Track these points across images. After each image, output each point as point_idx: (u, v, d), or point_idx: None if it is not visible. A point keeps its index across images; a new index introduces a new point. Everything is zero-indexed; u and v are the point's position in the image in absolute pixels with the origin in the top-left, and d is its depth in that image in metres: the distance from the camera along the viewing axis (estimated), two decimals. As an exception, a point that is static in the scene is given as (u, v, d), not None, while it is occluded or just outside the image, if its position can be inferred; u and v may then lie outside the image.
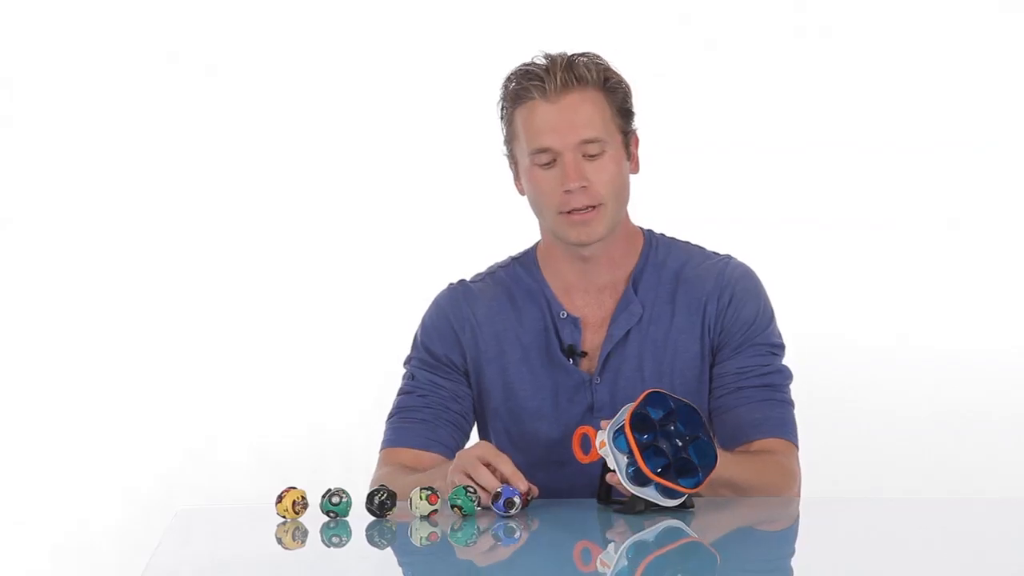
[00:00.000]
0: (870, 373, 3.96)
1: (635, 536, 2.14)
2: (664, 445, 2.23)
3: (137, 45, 3.96)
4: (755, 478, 2.43)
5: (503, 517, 2.23)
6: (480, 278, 2.63)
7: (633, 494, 2.23)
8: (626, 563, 2.02)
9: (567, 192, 2.45)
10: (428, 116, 4.01)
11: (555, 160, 2.46)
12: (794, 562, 2.07)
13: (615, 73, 2.50)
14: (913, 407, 4.00)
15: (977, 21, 4.03)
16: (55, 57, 3.94)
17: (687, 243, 2.61)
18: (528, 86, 2.48)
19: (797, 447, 2.53)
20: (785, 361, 2.58)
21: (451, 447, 2.56)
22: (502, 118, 2.56)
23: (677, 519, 2.21)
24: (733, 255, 2.60)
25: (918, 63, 4.04)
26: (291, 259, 3.99)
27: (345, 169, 4.01)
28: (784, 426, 2.51)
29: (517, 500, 2.22)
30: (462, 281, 2.63)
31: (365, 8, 4.00)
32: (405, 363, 2.64)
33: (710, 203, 3.91)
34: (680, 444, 2.25)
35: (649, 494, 2.22)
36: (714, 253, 2.60)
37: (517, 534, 2.17)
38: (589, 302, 2.56)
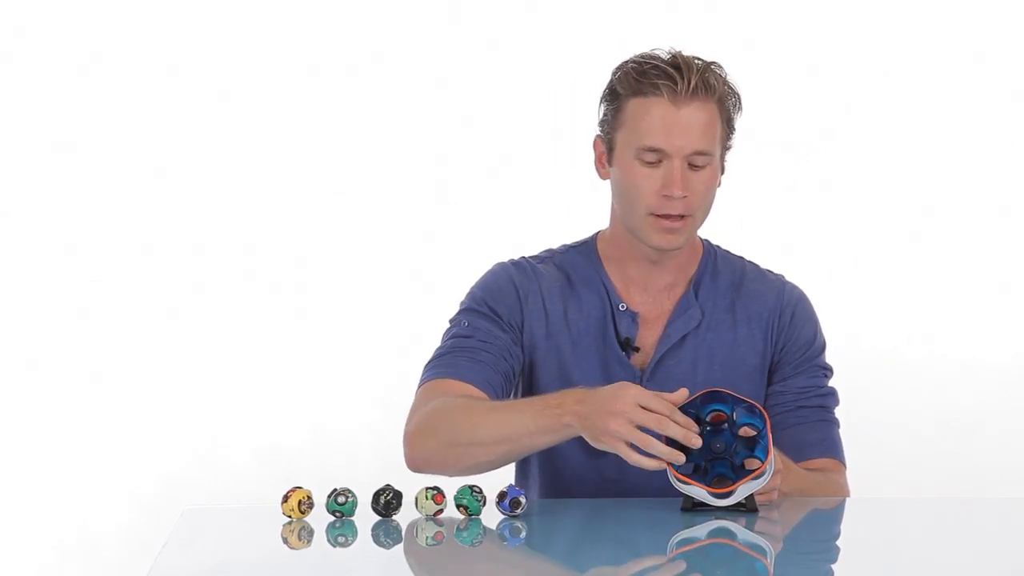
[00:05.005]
0: (875, 375, 3.96)
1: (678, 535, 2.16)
2: (719, 445, 2.23)
3: (140, 45, 3.96)
4: (819, 492, 2.47)
5: (509, 517, 2.23)
6: (540, 259, 2.59)
7: (683, 493, 2.23)
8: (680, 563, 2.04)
9: (666, 197, 2.43)
10: (432, 120, 4.02)
11: (660, 161, 2.44)
12: (793, 560, 2.08)
13: (733, 87, 2.48)
14: (917, 409, 4.01)
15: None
16: (55, 57, 3.95)
17: (740, 257, 2.62)
18: (657, 82, 2.42)
19: (846, 467, 2.58)
20: None
21: (499, 396, 2.48)
22: (609, 100, 2.49)
23: (735, 521, 2.21)
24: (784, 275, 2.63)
25: (921, 64, 4.04)
26: (295, 260, 4.00)
27: (348, 172, 4.01)
28: (836, 447, 2.57)
29: (523, 500, 2.22)
30: (523, 257, 2.59)
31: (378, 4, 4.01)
32: (452, 319, 2.56)
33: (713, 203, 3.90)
34: (745, 444, 2.25)
35: (696, 492, 2.23)
36: (768, 270, 2.62)
37: (523, 534, 2.17)
38: (647, 299, 2.55)
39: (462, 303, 2.57)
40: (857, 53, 4.02)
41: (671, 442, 2.23)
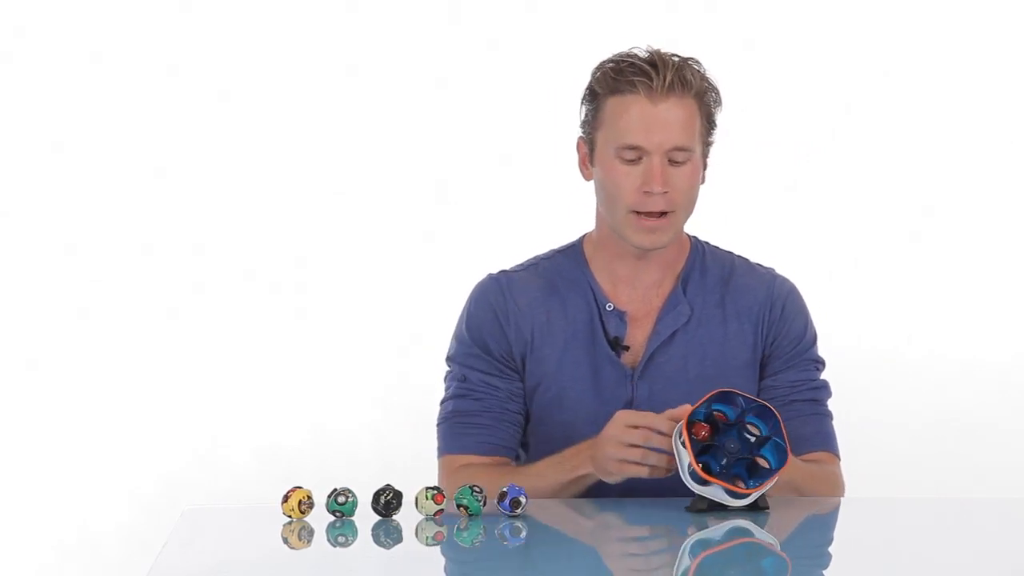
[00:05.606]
0: (875, 375, 3.96)
1: (696, 536, 2.16)
2: (733, 445, 2.23)
3: (140, 45, 3.96)
4: (814, 485, 2.48)
5: (509, 517, 2.23)
6: (522, 268, 2.61)
7: (697, 493, 2.23)
8: (687, 562, 2.04)
9: (647, 193, 2.44)
10: (432, 120, 4.01)
11: (640, 158, 2.45)
12: (793, 560, 2.08)
13: (712, 83, 2.49)
14: (917, 409, 4.01)
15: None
16: (55, 57, 3.95)
17: (730, 252, 2.63)
18: (633, 80, 2.43)
19: (840, 459, 2.58)
20: None
21: (513, 448, 2.55)
22: (588, 101, 2.51)
23: (747, 519, 2.21)
24: (775, 269, 2.64)
25: (921, 64, 4.04)
26: (295, 260, 3.99)
27: (348, 172, 4.01)
28: (830, 439, 2.57)
29: (523, 500, 2.22)
30: (503, 271, 2.60)
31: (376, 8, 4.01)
32: (449, 360, 2.60)
33: (713, 203, 3.90)
34: (752, 444, 2.25)
35: (713, 493, 2.22)
36: (758, 264, 2.62)
37: (523, 534, 2.17)
38: (635, 297, 2.56)
39: (453, 341, 2.60)
40: (857, 53, 4.02)
41: (695, 447, 2.24)
